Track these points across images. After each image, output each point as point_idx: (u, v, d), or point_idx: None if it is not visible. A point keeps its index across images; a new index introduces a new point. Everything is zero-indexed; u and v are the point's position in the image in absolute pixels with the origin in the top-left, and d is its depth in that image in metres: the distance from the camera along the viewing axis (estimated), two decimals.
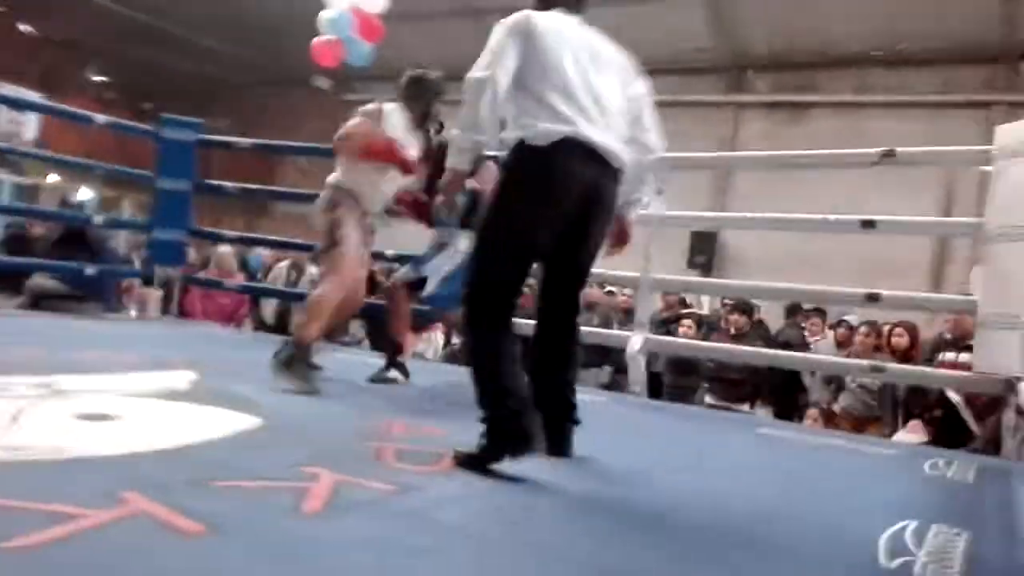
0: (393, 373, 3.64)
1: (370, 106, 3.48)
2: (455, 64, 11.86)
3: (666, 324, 5.81)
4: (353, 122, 3.43)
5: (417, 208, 3.66)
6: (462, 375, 3.97)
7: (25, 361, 3.01)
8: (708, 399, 5.45)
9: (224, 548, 1.37)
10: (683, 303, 6.69)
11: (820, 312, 6.61)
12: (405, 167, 3.39)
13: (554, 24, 2.27)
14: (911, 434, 4.62)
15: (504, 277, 2.19)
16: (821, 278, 5.44)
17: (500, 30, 2.24)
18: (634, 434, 3.08)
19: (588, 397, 3.96)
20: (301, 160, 13.50)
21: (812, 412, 5.69)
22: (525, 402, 2.11)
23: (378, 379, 3.59)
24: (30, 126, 13.13)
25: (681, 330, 5.79)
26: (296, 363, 3.05)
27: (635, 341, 3.89)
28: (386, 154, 3.32)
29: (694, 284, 5.95)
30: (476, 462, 2.06)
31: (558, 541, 1.62)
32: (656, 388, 5.22)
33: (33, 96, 10.72)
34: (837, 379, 5.51)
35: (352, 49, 6.73)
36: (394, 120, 3.42)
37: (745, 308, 5.60)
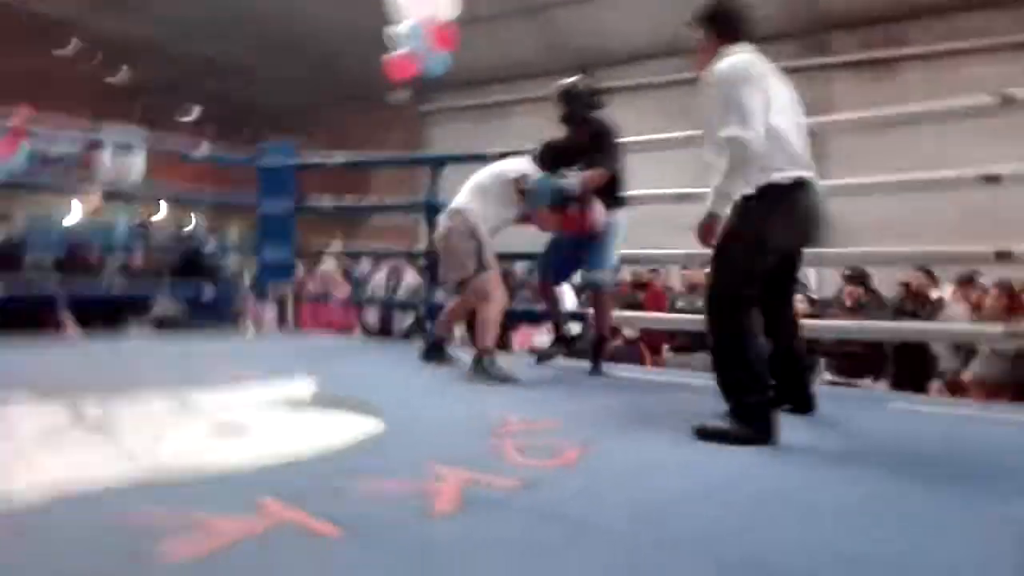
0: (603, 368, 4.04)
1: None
2: (522, 61, 11.81)
3: None
4: None
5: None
6: (578, 368, 3.95)
7: (159, 383, 3.18)
8: (828, 375, 5.24)
9: (362, 551, 1.40)
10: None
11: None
12: None
13: (760, 68, 2.63)
14: None
15: (748, 285, 2.58)
16: (935, 241, 5.11)
17: (732, 82, 2.55)
18: None
19: (699, 381, 3.89)
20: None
21: (935, 384, 5.38)
22: (768, 393, 2.45)
23: (595, 373, 4.00)
24: (136, 166, 13.89)
25: None
26: (488, 365, 3.64)
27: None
28: None
29: (813, 255, 5.62)
30: (721, 437, 2.38)
31: (694, 535, 1.55)
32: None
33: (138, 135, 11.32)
34: (966, 345, 5.19)
35: (429, 59, 6.77)
36: None
37: (862, 279, 5.33)
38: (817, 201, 2.69)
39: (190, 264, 5.61)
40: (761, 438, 2.37)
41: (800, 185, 2.61)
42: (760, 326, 2.56)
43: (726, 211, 2.59)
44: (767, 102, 2.55)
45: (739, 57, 2.62)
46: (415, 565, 1.35)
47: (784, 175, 2.58)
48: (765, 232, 2.60)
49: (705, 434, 2.41)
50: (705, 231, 2.63)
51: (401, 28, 6.36)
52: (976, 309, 5.56)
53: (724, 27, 2.75)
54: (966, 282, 6.04)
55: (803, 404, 2.83)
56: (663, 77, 12.54)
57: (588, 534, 1.53)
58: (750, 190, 2.56)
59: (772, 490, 1.89)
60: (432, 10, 6.41)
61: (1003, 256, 3.52)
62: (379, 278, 7.59)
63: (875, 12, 11.13)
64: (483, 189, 3.91)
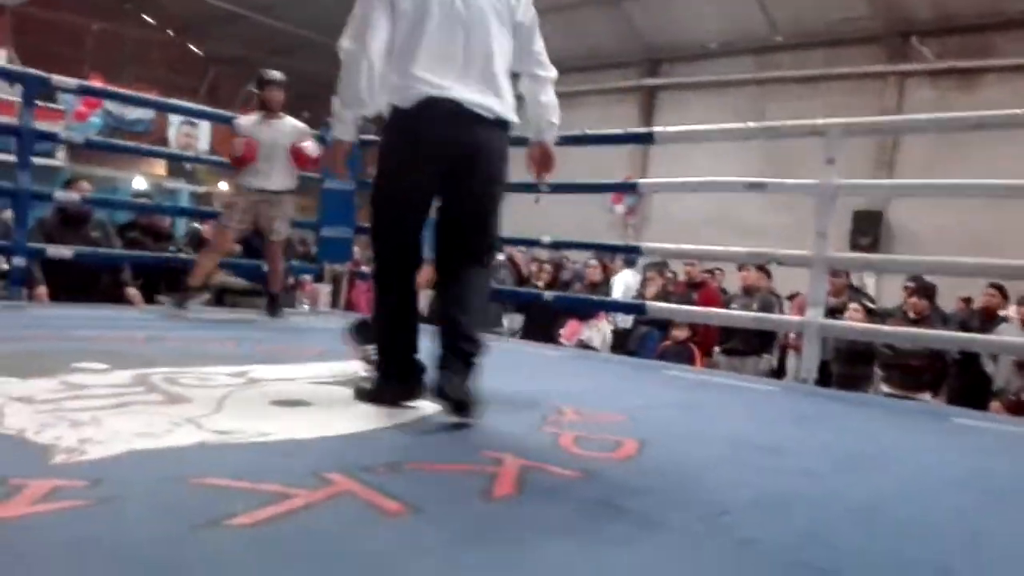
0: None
1: None
2: (595, 52, 11.68)
3: (835, 312, 5.47)
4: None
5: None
6: (627, 363, 3.90)
7: (221, 354, 3.25)
8: (885, 388, 5.11)
9: (426, 528, 1.39)
10: (851, 287, 6.30)
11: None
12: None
13: None
14: None
15: (390, 235, 2.35)
16: (1000, 256, 4.94)
17: None
18: (822, 426, 2.90)
19: (754, 385, 3.83)
20: None
21: (995, 404, 5.22)
22: (409, 353, 2.39)
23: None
24: (202, 138, 14.23)
25: (847, 315, 5.45)
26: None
27: (812, 325, 3.68)
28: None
29: (876, 261, 5.41)
30: (367, 397, 2.40)
31: (766, 538, 1.51)
32: (823, 377, 4.96)
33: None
34: None
35: None
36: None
37: (927, 290, 5.18)
38: (454, 130, 2.25)
39: (251, 237, 5.68)
40: (391, 395, 2.37)
41: (428, 108, 2.23)
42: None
43: (347, 135, 2.35)
44: (403, 14, 2.24)
45: None
46: (476, 545, 1.34)
47: (407, 97, 2.24)
48: (388, 165, 2.33)
49: (360, 394, 2.43)
50: (329, 157, 2.46)
51: None
52: None
53: None
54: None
55: (441, 384, 2.22)
56: (732, 75, 12.37)
57: (655, 530, 1.50)
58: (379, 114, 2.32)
59: (856, 498, 1.83)
60: None
61: None
62: None
63: (961, 20, 10.75)
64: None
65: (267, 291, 5.11)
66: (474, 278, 2.35)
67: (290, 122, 5.01)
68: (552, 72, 2.50)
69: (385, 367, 2.42)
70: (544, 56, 2.48)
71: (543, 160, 2.55)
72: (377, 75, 2.25)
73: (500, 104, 2.31)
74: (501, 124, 2.33)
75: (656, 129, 5.53)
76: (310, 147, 4.90)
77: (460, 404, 2.16)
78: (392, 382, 2.40)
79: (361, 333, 3.34)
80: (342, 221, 5.72)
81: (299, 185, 5.04)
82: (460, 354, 2.23)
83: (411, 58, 2.23)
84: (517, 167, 2.55)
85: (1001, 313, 5.99)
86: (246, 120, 5.00)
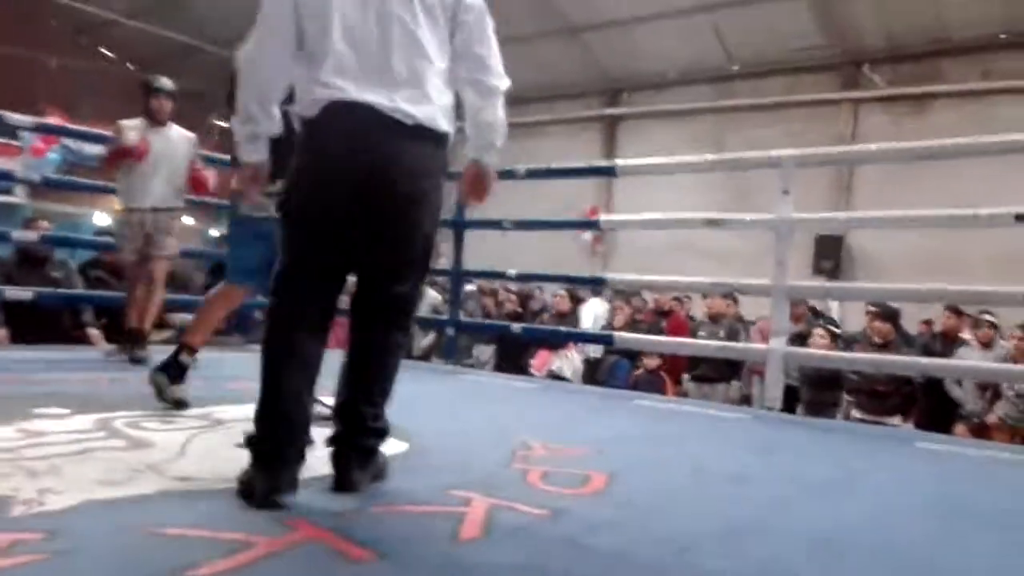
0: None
1: None
2: (558, 82, 11.74)
3: (802, 338, 5.54)
4: None
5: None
6: (596, 393, 3.92)
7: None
8: (855, 413, 5.16)
9: (392, 574, 1.38)
10: (814, 312, 6.40)
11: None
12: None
13: None
14: None
15: (294, 268, 1.89)
16: (959, 280, 5.06)
17: None
18: (788, 454, 2.93)
19: (723, 413, 3.86)
20: None
21: (959, 428, 5.32)
22: (294, 427, 1.86)
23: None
24: None
25: (812, 341, 5.53)
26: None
27: (775, 353, 3.73)
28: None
29: (835, 290, 5.50)
30: (239, 492, 1.78)
31: (731, 569, 1.52)
32: (792, 402, 5.02)
33: None
34: (992, 387, 5.12)
35: None
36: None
37: (890, 315, 5.27)
38: (363, 139, 1.84)
39: (219, 272, 5.63)
40: (262, 487, 1.74)
41: (332, 114, 1.84)
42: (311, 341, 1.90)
43: (251, 155, 1.97)
44: (312, 10, 1.86)
45: None
46: None
47: (312, 103, 1.87)
48: (295, 187, 1.90)
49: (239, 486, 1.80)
50: (240, 182, 2.02)
51: None
52: (985, 347, 5.54)
53: None
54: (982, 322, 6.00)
55: (338, 476, 1.91)
56: (691, 104, 12.61)
57: (620, 567, 1.51)
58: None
59: (820, 527, 1.85)
60: None
61: None
62: None
63: (910, 48, 11.10)
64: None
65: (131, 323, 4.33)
66: (385, 343, 1.97)
67: (177, 131, 4.50)
68: (502, 81, 2.02)
69: (257, 443, 1.84)
70: (493, 60, 2.00)
71: (475, 183, 2.07)
72: (271, 83, 1.91)
73: (424, 109, 1.88)
74: (426, 134, 1.90)
75: (618, 162, 5.64)
76: (211, 177, 4.53)
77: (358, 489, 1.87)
78: (267, 466, 1.80)
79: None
80: None
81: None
82: (361, 449, 1.92)
83: (319, 59, 1.86)
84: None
85: (961, 336, 6.12)
86: (129, 122, 4.43)
